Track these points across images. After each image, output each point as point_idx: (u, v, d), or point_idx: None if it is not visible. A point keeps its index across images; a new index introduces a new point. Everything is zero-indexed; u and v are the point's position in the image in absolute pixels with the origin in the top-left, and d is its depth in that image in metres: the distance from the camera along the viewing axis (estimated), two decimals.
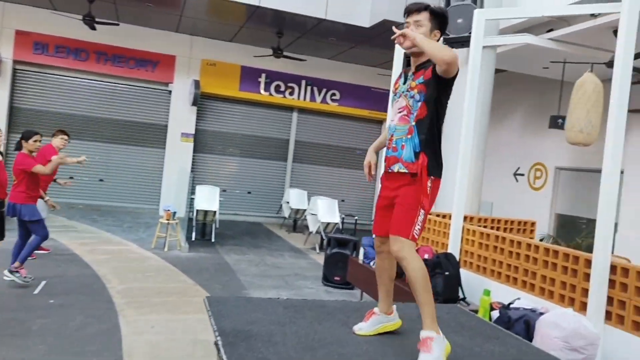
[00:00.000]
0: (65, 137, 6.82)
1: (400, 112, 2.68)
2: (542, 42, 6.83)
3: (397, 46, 6.75)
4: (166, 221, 8.05)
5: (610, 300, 3.47)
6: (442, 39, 2.78)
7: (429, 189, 2.55)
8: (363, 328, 2.91)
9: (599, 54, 6.83)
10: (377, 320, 2.91)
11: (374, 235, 2.89)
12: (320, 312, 3.27)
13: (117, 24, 10.22)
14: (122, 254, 7.46)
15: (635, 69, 7.67)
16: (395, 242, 2.55)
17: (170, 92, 12.00)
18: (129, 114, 11.94)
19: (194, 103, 11.84)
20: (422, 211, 2.54)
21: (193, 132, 12.11)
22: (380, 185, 2.90)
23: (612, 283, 3.47)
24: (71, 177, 11.45)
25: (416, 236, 2.54)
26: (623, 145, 3.73)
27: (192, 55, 12.00)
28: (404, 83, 2.72)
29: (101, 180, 11.81)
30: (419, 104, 2.59)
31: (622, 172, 8.25)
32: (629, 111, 8.71)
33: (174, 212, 8.25)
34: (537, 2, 6.86)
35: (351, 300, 3.62)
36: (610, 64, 5.94)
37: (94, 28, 9.78)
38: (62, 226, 9.02)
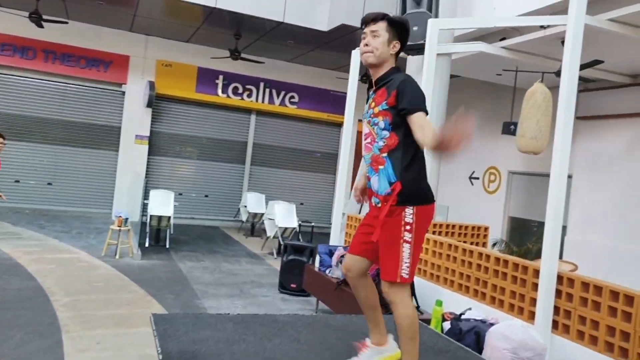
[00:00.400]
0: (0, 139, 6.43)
1: (365, 140, 2.52)
2: (495, 51, 6.95)
3: (353, 52, 6.77)
4: (117, 228, 7.78)
5: (557, 309, 3.54)
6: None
7: (409, 217, 2.34)
8: None
9: (548, 63, 7.01)
10: (369, 354, 2.62)
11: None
12: (271, 328, 3.20)
13: (66, 22, 9.83)
14: (69, 263, 7.16)
15: (581, 78, 7.94)
16: (384, 285, 2.41)
17: (123, 93, 11.64)
18: (80, 115, 11.51)
19: (149, 104, 11.53)
20: (406, 245, 2.33)
21: (148, 134, 11.79)
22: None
23: (558, 293, 3.55)
24: (17, 181, 10.99)
25: (405, 276, 2.34)
26: (570, 150, 3.82)
27: (146, 55, 11.68)
28: (367, 103, 2.57)
29: (49, 183, 11.34)
30: (385, 132, 2.40)
31: (570, 177, 8.52)
32: (577, 118, 8.96)
33: (126, 219, 7.99)
34: (489, 12, 6.98)
35: (303, 315, 3.56)
36: (559, 73, 6.11)
37: (41, 26, 9.39)
38: (5, 233, 8.60)
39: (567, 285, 3.51)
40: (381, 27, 2.47)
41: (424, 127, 2.23)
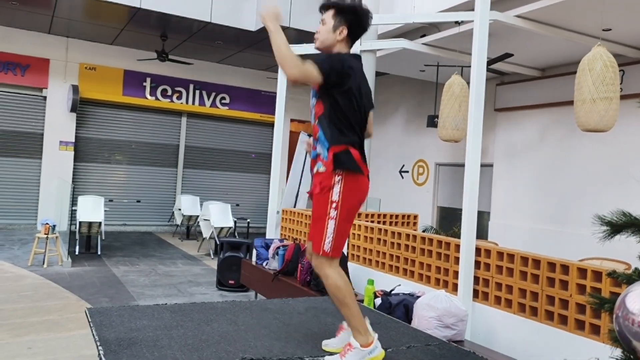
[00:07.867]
0: None
1: (311, 112, 2.62)
2: (416, 47, 7.33)
3: None
4: (45, 235, 7.49)
5: (476, 279, 3.83)
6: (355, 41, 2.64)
7: (337, 186, 2.40)
8: (329, 344, 2.69)
9: (466, 57, 7.47)
10: (347, 337, 2.57)
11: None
12: (209, 314, 3.27)
13: None
14: None
15: (498, 72, 8.47)
16: (312, 258, 2.53)
17: (45, 97, 11.16)
18: None
19: (73, 109, 11.11)
20: (330, 222, 2.40)
21: (73, 140, 11.36)
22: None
23: (477, 264, 3.84)
24: None
25: (327, 251, 2.41)
26: (485, 138, 4.12)
27: (68, 58, 11.26)
28: None
29: None
30: (314, 100, 2.54)
31: (491, 166, 9.07)
32: (495, 110, 9.53)
33: (54, 226, 7.70)
34: (409, 10, 7.34)
35: (241, 301, 3.65)
36: None
37: None
38: None
39: (484, 256, 3.81)
40: (328, 15, 2.58)
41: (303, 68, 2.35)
